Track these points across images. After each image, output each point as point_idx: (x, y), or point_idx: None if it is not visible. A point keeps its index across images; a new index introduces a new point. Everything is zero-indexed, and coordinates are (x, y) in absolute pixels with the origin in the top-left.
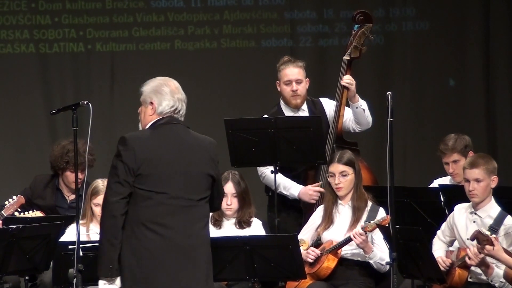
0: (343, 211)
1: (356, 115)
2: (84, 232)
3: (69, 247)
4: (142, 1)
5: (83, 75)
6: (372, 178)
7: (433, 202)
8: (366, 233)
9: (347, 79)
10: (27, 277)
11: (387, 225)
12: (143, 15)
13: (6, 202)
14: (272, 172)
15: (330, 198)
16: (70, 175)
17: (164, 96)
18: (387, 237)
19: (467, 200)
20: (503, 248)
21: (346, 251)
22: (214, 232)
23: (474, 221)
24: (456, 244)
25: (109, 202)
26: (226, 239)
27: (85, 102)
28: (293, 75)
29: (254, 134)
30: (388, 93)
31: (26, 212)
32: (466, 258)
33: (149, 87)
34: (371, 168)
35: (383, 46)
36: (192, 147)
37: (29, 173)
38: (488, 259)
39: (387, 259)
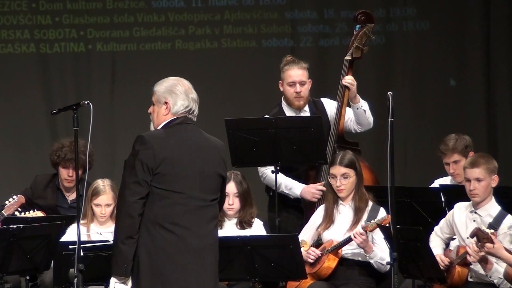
0: (344, 211)
1: (357, 115)
2: (85, 232)
3: (70, 247)
4: (142, 1)
5: (83, 75)
6: (373, 178)
7: (433, 202)
8: (366, 232)
9: (349, 79)
10: (27, 277)
11: (387, 225)
12: (143, 15)
13: (7, 202)
14: (272, 172)
15: (331, 198)
16: (61, 171)
17: (178, 96)
18: (388, 237)
19: (468, 200)
20: (503, 247)
21: (346, 251)
22: None
23: (474, 220)
24: (455, 242)
25: (127, 202)
26: (227, 239)
27: (86, 102)
28: (297, 76)
29: (254, 134)
30: (388, 93)
31: (27, 212)
32: (467, 255)
33: (162, 86)
34: (371, 168)
35: (384, 46)
36: (206, 148)
37: (29, 173)
38: (488, 256)
39: (388, 259)
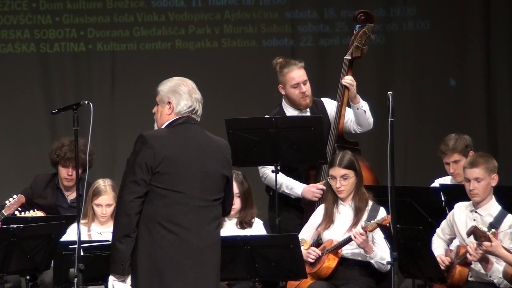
0: (344, 211)
1: (357, 116)
2: (86, 231)
3: (70, 246)
4: (142, 1)
5: (84, 74)
6: (373, 177)
7: (434, 202)
8: (366, 233)
9: (348, 79)
10: (28, 277)
11: (387, 224)
12: (143, 15)
13: (7, 202)
14: (273, 171)
15: (331, 198)
16: (61, 170)
17: (182, 96)
18: (388, 236)
19: (468, 200)
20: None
21: (346, 250)
22: None
23: (474, 219)
24: (455, 242)
25: (124, 200)
26: (227, 238)
27: (86, 101)
28: (300, 77)
29: (255, 134)
30: (389, 92)
31: (27, 212)
32: (467, 254)
33: (166, 86)
34: (372, 167)
35: (384, 45)
36: (208, 148)
37: (29, 172)
38: (488, 255)
39: (388, 259)
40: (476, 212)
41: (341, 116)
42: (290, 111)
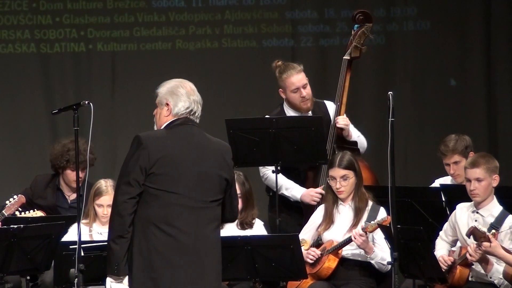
0: (344, 211)
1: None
2: (87, 232)
3: (70, 247)
4: (143, 1)
5: (84, 75)
6: (373, 177)
7: (434, 202)
8: (366, 233)
9: (342, 121)
10: (28, 277)
11: (388, 225)
12: (144, 15)
13: (7, 202)
14: (273, 172)
15: (331, 198)
16: (70, 174)
17: (179, 97)
18: (388, 237)
19: (469, 200)
20: (502, 246)
21: (347, 251)
22: None
23: (476, 220)
24: (459, 243)
25: (117, 201)
26: (228, 239)
27: (86, 102)
28: (299, 81)
29: (255, 134)
30: (389, 93)
31: (27, 212)
32: (467, 255)
33: (164, 88)
34: (372, 168)
35: (384, 45)
36: (206, 149)
37: (30, 173)
38: (489, 256)
39: (389, 259)
40: (477, 212)
41: (340, 116)
42: (291, 113)
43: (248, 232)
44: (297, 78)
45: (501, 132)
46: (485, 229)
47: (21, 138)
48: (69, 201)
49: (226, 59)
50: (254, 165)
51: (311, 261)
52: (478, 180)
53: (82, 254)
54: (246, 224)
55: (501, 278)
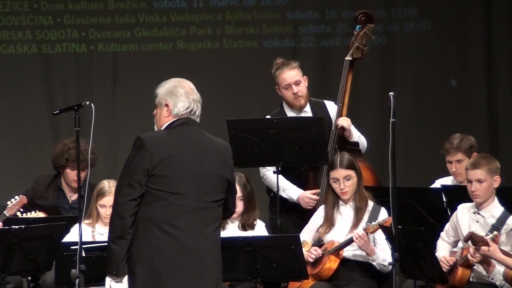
0: (345, 212)
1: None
2: (89, 232)
3: (72, 247)
4: (144, 2)
5: (85, 75)
6: (374, 178)
7: (435, 203)
8: (367, 234)
9: (345, 122)
10: (29, 278)
11: (389, 226)
12: (145, 16)
13: (9, 202)
14: (274, 172)
15: (331, 200)
16: (70, 173)
17: (179, 97)
18: (389, 237)
19: (469, 201)
20: (500, 249)
21: (348, 251)
22: None
23: (477, 221)
24: (459, 244)
25: (118, 203)
26: (228, 239)
27: (87, 102)
28: (290, 78)
29: (256, 135)
30: (390, 93)
31: (29, 213)
32: (469, 255)
33: (163, 89)
34: (372, 168)
35: (385, 46)
36: (207, 149)
37: (31, 173)
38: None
39: (390, 260)
40: (478, 213)
41: (342, 117)
42: (290, 112)
43: (249, 233)
44: (288, 75)
45: (502, 132)
46: (483, 233)
47: (22, 138)
48: (70, 202)
49: (227, 59)
50: (255, 165)
51: (312, 260)
52: (479, 181)
53: (83, 254)
54: (247, 225)
55: (502, 280)
